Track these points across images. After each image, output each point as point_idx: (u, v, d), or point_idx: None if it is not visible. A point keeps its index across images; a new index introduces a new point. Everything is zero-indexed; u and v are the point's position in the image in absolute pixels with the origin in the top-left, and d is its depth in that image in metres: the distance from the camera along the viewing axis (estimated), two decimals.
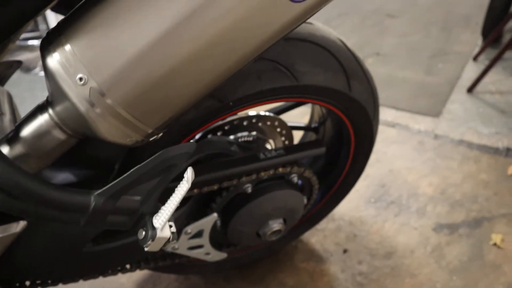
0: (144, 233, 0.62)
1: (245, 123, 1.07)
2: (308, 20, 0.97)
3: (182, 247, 1.00)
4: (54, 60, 0.52)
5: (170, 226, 0.63)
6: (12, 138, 0.61)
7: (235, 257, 1.31)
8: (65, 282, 0.92)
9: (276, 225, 1.03)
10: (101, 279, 1.41)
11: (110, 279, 1.42)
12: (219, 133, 1.06)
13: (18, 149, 0.61)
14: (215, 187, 0.92)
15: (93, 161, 0.80)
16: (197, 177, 0.88)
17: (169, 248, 0.99)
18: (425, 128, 2.07)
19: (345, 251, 1.44)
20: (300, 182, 1.08)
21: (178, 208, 0.92)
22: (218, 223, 1.03)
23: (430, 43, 3.03)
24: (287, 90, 0.87)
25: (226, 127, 1.06)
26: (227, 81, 0.80)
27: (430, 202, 1.62)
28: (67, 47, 0.51)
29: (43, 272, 0.85)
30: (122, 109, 0.53)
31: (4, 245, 0.72)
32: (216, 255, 1.09)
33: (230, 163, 0.91)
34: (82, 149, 0.73)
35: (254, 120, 1.08)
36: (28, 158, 0.61)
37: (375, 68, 2.71)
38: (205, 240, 1.01)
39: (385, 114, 2.21)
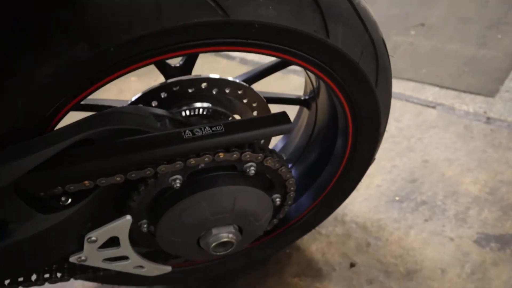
0: None
1: (190, 90, 0.77)
2: None
3: (93, 258, 0.72)
4: None
5: None
6: None
7: (203, 267, 1.01)
8: None
9: (224, 234, 0.72)
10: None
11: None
12: (153, 104, 0.76)
13: None
14: (118, 178, 0.62)
15: None
16: (82, 163, 0.58)
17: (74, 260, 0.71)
18: (475, 109, 1.65)
19: (352, 265, 1.10)
20: (266, 175, 0.76)
21: (67, 207, 0.64)
22: (144, 227, 0.74)
23: (488, 12, 2.53)
24: (209, 30, 0.55)
25: (163, 95, 0.76)
26: (105, 16, 0.50)
27: (474, 205, 1.23)
28: None
29: None
30: None
31: None
32: (154, 269, 0.80)
33: (136, 144, 0.61)
34: None
35: (204, 86, 0.77)
36: None
37: (417, 40, 2.29)
38: (126, 249, 0.73)
39: (425, 92, 1.81)
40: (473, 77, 1.87)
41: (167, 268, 0.82)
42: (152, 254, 0.82)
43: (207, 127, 0.63)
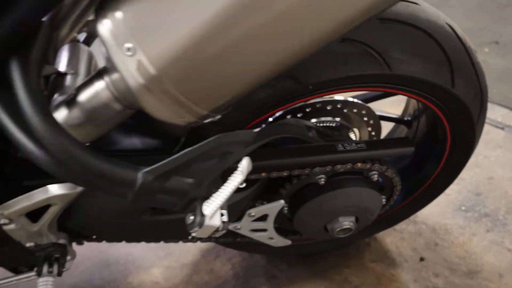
0: (192, 218, 0.58)
1: (329, 107, 0.99)
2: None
3: (245, 228, 0.96)
4: (104, 26, 0.49)
5: (222, 215, 0.59)
6: (71, 102, 0.60)
7: (301, 244, 1.24)
8: (124, 241, 0.94)
9: (346, 222, 0.95)
10: None
11: None
12: (299, 115, 0.99)
13: (75, 114, 0.60)
14: (285, 173, 0.86)
15: (161, 130, 0.77)
16: (266, 160, 0.82)
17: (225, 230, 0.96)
18: None
19: (421, 259, 1.31)
20: (380, 180, 0.98)
21: (243, 190, 0.88)
22: (285, 209, 0.97)
23: None
24: (377, 79, 0.77)
25: (307, 109, 0.98)
26: (308, 62, 0.72)
27: None
28: (119, 14, 0.47)
29: (105, 230, 0.87)
30: (172, 87, 0.49)
31: (66, 202, 0.74)
32: (280, 241, 1.04)
33: (304, 150, 0.84)
34: (150, 117, 0.71)
35: (339, 106, 0.99)
36: (84, 125, 0.60)
37: (490, 58, 2.41)
38: (269, 224, 0.96)
39: (495, 112, 1.96)
40: None
41: (288, 242, 1.06)
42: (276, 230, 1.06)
43: (353, 144, 0.86)
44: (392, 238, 1.39)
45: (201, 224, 0.56)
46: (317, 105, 0.98)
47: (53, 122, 0.51)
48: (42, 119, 0.50)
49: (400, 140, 0.89)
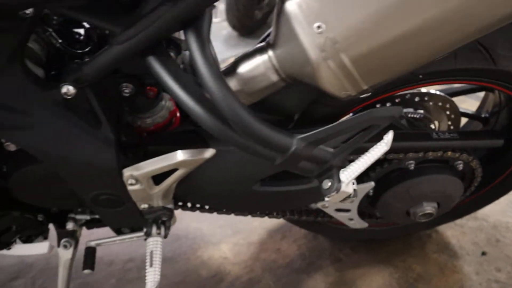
0: (329, 184, 0.65)
1: (416, 99, 1.05)
2: None
3: (331, 207, 1.03)
4: (294, 3, 0.56)
5: (353, 183, 0.66)
6: (229, 72, 0.68)
7: (369, 230, 1.31)
8: (224, 212, 1.02)
9: (429, 208, 1.00)
10: (235, 219, 1.52)
11: (244, 220, 1.52)
12: (388, 104, 1.05)
13: (233, 83, 0.68)
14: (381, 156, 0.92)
15: (277, 107, 0.84)
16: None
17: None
18: None
19: (483, 253, 1.36)
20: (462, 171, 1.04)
21: None
22: (371, 192, 1.04)
23: None
24: (480, 73, 0.83)
25: (396, 100, 1.04)
26: None
27: None
28: None
29: (213, 199, 0.95)
30: (350, 63, 0.56)
31: (191, 167, 0.81)
32: (358, 223, 1.11)
33: (401, 136, 0.90)
34: (272, 94, 0.78)
35: (426, 98, 1.05)
36: (240, 93, 0.68)
37: None
38: (354, 205, 1.03)
39: None
40: None
41: (365, 224, 1.12)
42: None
43: (446, 133, 0.91)
44: (453, 231, 1.44)
45: (338, 190, 0.63)
46: (406, 96, 1.04)
47: (227, 86, 0.59)
48: (219, 83, 0.58)
49: (490, 132, 0.95)
